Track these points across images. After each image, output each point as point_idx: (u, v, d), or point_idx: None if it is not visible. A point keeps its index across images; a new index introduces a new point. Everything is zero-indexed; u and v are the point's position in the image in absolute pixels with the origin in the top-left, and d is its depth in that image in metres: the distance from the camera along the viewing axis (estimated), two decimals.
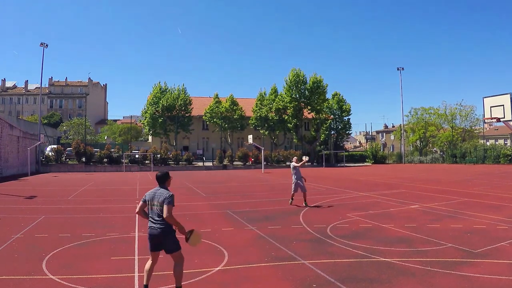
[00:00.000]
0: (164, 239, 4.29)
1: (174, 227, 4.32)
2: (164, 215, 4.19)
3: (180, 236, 4.36)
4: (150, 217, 4.40)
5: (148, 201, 4.43)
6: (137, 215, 4.70)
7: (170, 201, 4.27)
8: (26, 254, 6.31)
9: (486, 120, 13.61)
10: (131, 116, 74.54)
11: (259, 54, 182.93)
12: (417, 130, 57.32)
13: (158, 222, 4.28)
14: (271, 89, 51.31)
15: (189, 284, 4.88)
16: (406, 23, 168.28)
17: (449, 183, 19.64)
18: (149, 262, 4.47)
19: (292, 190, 12.05)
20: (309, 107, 47.76)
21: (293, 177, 12.01)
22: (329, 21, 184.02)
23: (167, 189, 4.45)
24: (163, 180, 4.51)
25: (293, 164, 12.04)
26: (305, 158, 13.05)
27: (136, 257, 6.13)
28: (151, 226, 4.34)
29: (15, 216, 10.27)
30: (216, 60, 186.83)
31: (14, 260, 5.99)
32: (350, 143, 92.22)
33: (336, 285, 4.80)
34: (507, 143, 61.94)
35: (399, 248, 6.57)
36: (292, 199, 12.15)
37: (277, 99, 48.38)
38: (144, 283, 4.37)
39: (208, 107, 50.42)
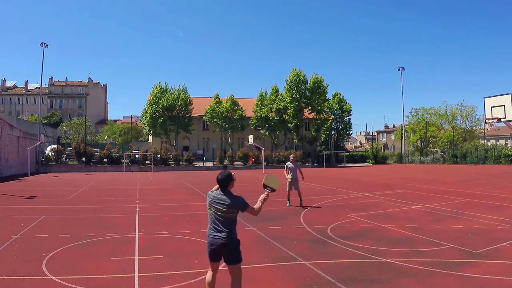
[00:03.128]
0: (227, 250, 3.92)
1: (238, 237, 4.03)
2: (255, 214, 4.09)
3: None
4: (212, 224, 3.97)
5: (210, 207, 4.02)
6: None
7: (245, 203, 3.97)
8: (26, 254, 6.30)
9: (487, 120, 13.57)
10: (131, 116, 74.41)
11: (259, 54, 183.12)
12: (417, 130, 57.32)
13: (223, 231, 3.88)
14: (272, 89, 51.25)
15: (189, 284, 4.87)
16: (407, 23, 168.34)
17: (450, 183, 19.61)
18: (210, 274, 4.11)
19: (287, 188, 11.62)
20: (309, 107, 47.75)
21: (289, 176, 11.57)
22: (330, 21, 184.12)
23: (231, 193, 4.03)
24: (226, 183, 4.02)
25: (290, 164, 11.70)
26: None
27: (136, 258, 6.11)
28: (214, 235, 3.92)
29: (15, 216, 10.26)
30: (217, 60, 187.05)
31: (14, 260, 5.97)
32: (350, 144, 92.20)
33: (337, 285, 4.79)
34: (508, 144, 61.91)
35: (400, 248, 6.56)
36: (288, 199, 11.74)
37: (277, 99, 48.34)
38: None
39: (209, 107, 50.42)
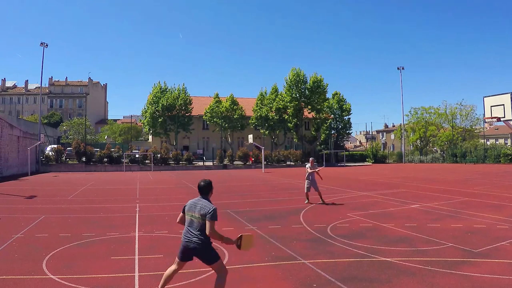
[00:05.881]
0: (201, 253, 4.03)
1: (211, 240, 4.08)
2: (207, 231, 3.92)
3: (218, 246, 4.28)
4: (188, 228, 4.11)
5: (187, 212, 4.18)
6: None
7: (213, 215, 3.96)
8: (26, 254, 6.31)
9: (486, 120, 13.61)
10: (131, 116, 74.61)
11: (259, 53, 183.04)
12: (417, 129, 57.29)
13: (196, 235, 4.01)
14: (272, 89, 51.17)
15: (189, 283, 4.88)
16: (407, 23, 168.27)
17: (449, 182, 19.62)
18: (172, 268, 4.23)
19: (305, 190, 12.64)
20: (309, 107, 47.76)
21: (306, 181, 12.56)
22: (330, 21, 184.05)
23: (209, 201, 4.15)
24: (206, 191, 4.23)
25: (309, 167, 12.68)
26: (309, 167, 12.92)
27: (136, 257, 6.12)
28: (187, 239, 4.05)
29: (15, 216, 10.27)
30: (217, 59, 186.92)
31: (14, 260, 5.98)
32: (350, 143, 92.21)
33: (337, 284, 4.80)
34: (507, 143, 61.97)
35: (400, 247, 6.57)
36: (307, 198, 12.62)
37: (277, 99, 48.34)
38: (159, 287, 4.21)
39: (208, 106, 50.40)
